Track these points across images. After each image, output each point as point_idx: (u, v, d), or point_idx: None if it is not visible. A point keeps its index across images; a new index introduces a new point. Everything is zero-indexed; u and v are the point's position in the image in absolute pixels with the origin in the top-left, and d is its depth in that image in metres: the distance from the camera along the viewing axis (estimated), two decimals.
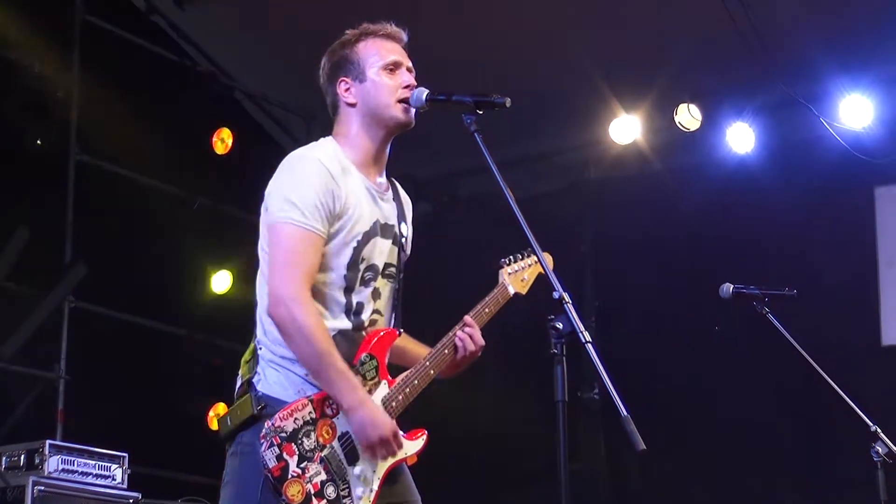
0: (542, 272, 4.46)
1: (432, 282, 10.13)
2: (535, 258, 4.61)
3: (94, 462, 7.57)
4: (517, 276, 4.66)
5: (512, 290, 4.61)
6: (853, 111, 9.32)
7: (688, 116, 9.66)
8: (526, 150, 10.43)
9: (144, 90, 9.71)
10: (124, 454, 7.74)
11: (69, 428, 8.94)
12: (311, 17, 8.96)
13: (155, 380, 9.62)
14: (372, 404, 4.02)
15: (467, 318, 4.39)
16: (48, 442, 7.41)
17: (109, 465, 7.65)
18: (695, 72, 9.47)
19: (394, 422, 4.09)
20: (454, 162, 10.34)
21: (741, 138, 9.70)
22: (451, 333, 4.35)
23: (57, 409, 9.09)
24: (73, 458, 7.45)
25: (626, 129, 10.02)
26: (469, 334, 4.35)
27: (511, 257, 4.69)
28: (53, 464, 7.32)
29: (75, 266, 9.25)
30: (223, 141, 10.27)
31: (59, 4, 9.43)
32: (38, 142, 9.21)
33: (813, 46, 9.24)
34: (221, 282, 10.31)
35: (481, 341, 4.38)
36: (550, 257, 4.52)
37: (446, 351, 4.31)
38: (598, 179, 10.49)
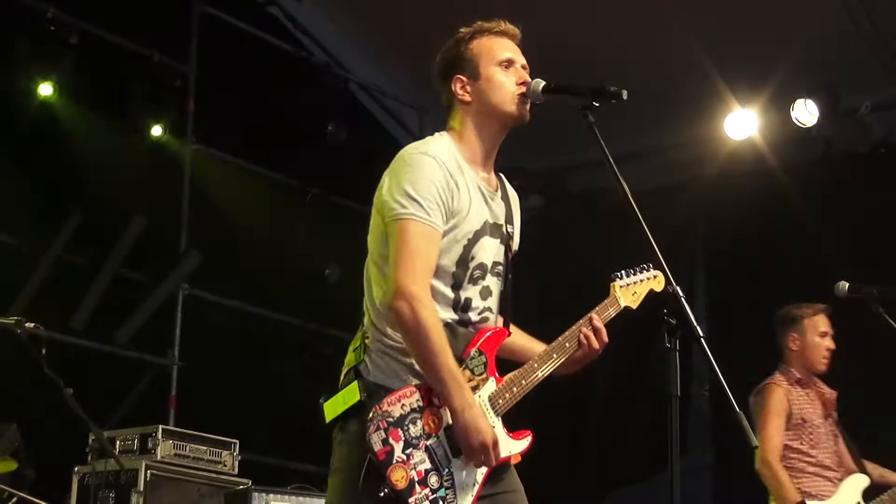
0: (654, 290, 4.54)
1: (541, 276, 10.15)
2: (649, 274, 4.60)
3: (205, 447, 7.68)
4: (629, 289, 4.62)
5: (623, 304, 4.58)
6: None
7: (804, 112, 9.52)
8: (640, 145, 10.35)
9: (260, 80, 9.81)
10: (235, 441, 7.84)
11: (181, 414, 9.08)
12: (427, 9, 8.99)
13: (265, 367, 9.72)
14: (477, 409, 3.99)
15: (594, 315, 4.38)
16: (161, 427, 7.53)
17: (220, 450, 7.76)
18: (812, 67, 9.33)
19: (495, 430, 4.06)
20: (566, 155, 10.33)
21: (858, 135, 9.55)
22: (567, 333, 4.33)
23: (170, 394, 9.24)
24: (184, 444, 7.57)
25: (741, 124, 9.89)
26: (595, 330, 4.34)
27: (623, 272, 4.65)
28: (166, 448, 7.44)
29: (189, 254, 9.39)
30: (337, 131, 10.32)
31: None
32: (156, 131, 9.34)
33: None
34: (333, 272, 10.37)
35: (606, 339, 4.36)
36: (662, 276, 4.49)
37: (555, 355, 4.29)
38: (712, 175, 10.35)
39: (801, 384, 7.00)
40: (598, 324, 4.33)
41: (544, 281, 10.02)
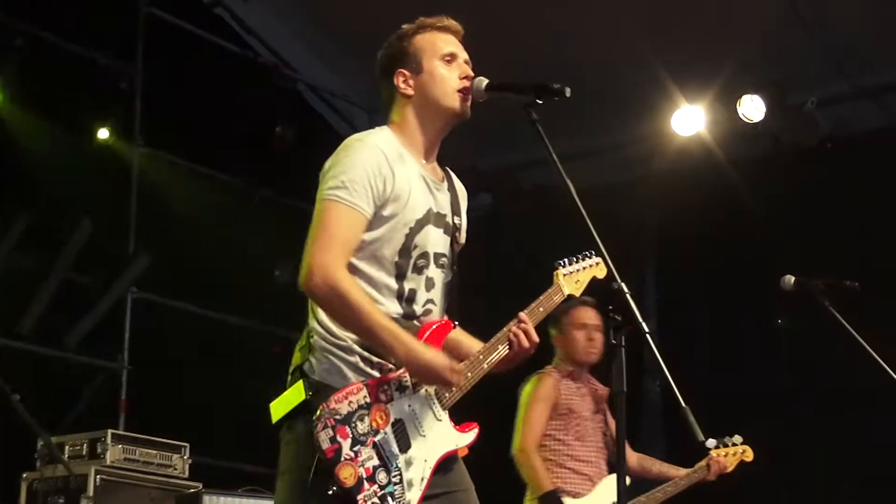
0: (596, 277, 4.58)
1: (491, 274, 10.16)
2: (591, 262, 4.63)
3: (155, 451, 7.65)
4: (572, 277, 4.64)
5: (566, 291, 4.59)
6: None
7: (751, 108, 9.57)
8: (588, 142, 10.40)
9: (208, 82, 9.77)
10: (185, 444, 7.82)
11: (131, 417, 9.03)
12: (374, 8, 8.98)
13: (216, 369, 9.68)
14: (420, 347, 4.02)
15: (522, 314, 4.39)
16: (110, 431, 7.49)
17: (170, 454, 7.73)
18: (758, 63, 9.39)
19: (442, 423, 4.14)
20: (517, 153, 10.34)
21: (805, 130, 9.62)
22: (505, 329, 4.35)
23: (120, 398, 9.19)
24: (134, 448, 7.53)
25: (688, 120, 9.93)
26: (524, 330, 4.34)
27: (566, 259, 4.67)
28: (115, 453, 7.41)
29: (138, 257, 9.34)
30: (284, 132, 10.30)
31: None
32: (102, 134, 9.29)
33: (877, 36, 9.17)
34: (283, 272, 10.34)
35: (535, 338, 4.37)
36: (603, 264, 4.51)
37: (500, 346, 4.31)
38: (661, 172, 10.39)
39: (573, 377, 7.00)
40: (527, 321, 4.34)
41: (495, 278, 10.04)
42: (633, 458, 7.10)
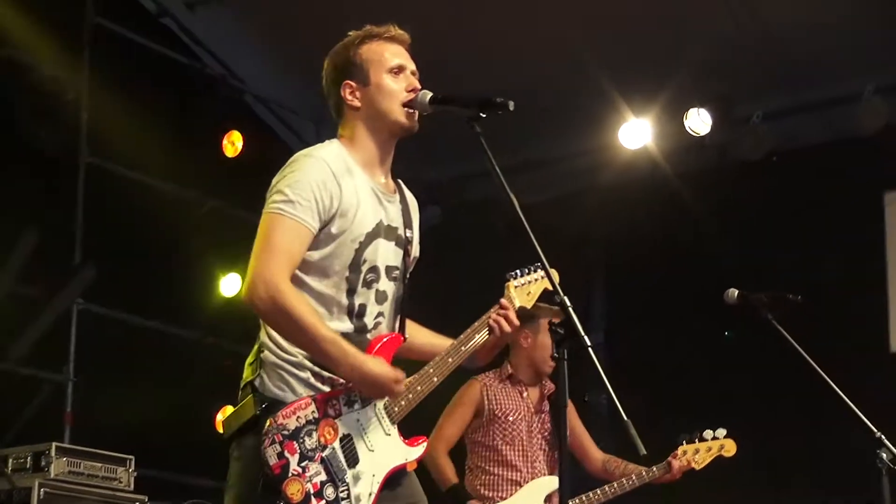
0: (549, 287, 4.45)
1: (439, 286, 10.16)
2: (542, 273, 4.59)
3: (100, 464, 7.58)
4: (523, 289, 4.65)
5: (518, 303, 4.61)
6: (861, 115, 9.30)
7: (697, 121, 9.63)
8: (536, 154, 10.44)
9: (154, 92, 9.71)
10: (130, 457, 7.75)
11: (77, 430, 8.96)
12: (322, 19, 8.96)
13: (163, 382, 9.61)
14: (363, 359, 4.03)
15: (503, 300, 4.43)
16: (54, 444, 7.42)
17: (116, 467, 7.66)
18: (705, 76, 9.45)
19: (391, 438, 4.16)
20: (465, 165, 10.35)
21: (751, 143, 9.69)
22: (471, 329, 4.38)
23: (65, 411, 9.11)
24: (79, 461, 7.47)
25: (635, 134, 9.98)
26: (504, 316, 4.35)
27: (518, 271, 4.68)
28: (59, 466, 7.34)
29: (84, 268, 9.27)
30: (233, 144, 10.27)
31: (68, 7, 9.43)
32: (48, 144, 9.22)
33: (821, 51, 9.26)
34: (231, 285, 10.29)
35: (516, 322, 4.40)
36: (556, 272, 4.51)
37: (450, 360, 4.31)
38: (608, 185, 10.43)
39: (512, 381, 6.95)
40: (508, 307, 4.39)
41: (444, 290, 10.02)
42: (598, 460, 7.10)
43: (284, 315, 3.95)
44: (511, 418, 6.86)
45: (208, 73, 10.48)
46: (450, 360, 4.31)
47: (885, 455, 5.78)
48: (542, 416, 6.99)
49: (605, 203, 10.51)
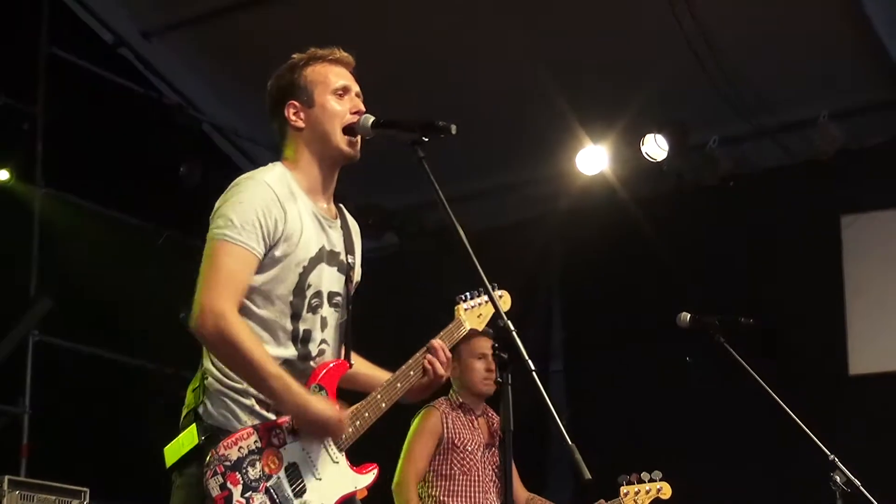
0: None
1: (396, 312, 10.16)
2: (493, 294, 4.56)
3: (54, 497, 7.55)
4: (473, 312, 4.64)
5: (467, 326, 4.58)
6: (816, 140, 9.35)
7: (654, 147, 9.65)
8: (494, 180, 10.45)
9: (111, 123, 9.68)
10: (85, 489, 7.72)
11: (33, 462, 8.89)
12: (280, 48, 8.95)
13: (121, 413, 9.56)
14: (308, 397, 3.99)
15: (434, 342, 4.38)
16: (7, 477, 7.38)
17: (70, 499, 7.64)
18: (661, 103, 9.48)
19: (339, 465, 4.09)
20: (421, 193, 10.33)
21: (707, 169, 9.74)
22: (411, 360, 4.34)
23: (21, 443, 9.04)
24: (32, 493, 7.43)
25: (593, 159, 9.99)
26: (438, 357, 4.33)
27: (468, 293, 4.67)
28: (13, 499, 7.31)
29: (40, 299, 9.21)
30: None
31: (24, 36, 9.41)
32: (2, 175, 9.19)
33: (776, 77, 9.32)
34: (189, 315, 10.21)
35: (447, 362, 4.37)
36: (508, 296, 4.49)
37: (398, 385, 4.29)
38: (566, 210, 10.45)
39: (464, 409, 6.92)
40: (440, 349, 4.33)
41: (400, 318, 10.02)
42: (521, 497, 7.07)
43: (231, 347, 3.91)
44: (469, 448, 6.82)
45: (165, 103, 10.44)
46: (398, 384, 4.29)
47: (838, 478, 5.79)
48: (493, 449, 6.95)
49: (564, 228, 10.54)
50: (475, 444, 6.86)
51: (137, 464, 9.10)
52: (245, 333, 3.93)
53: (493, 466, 6.91)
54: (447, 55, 9.62)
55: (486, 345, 6.90)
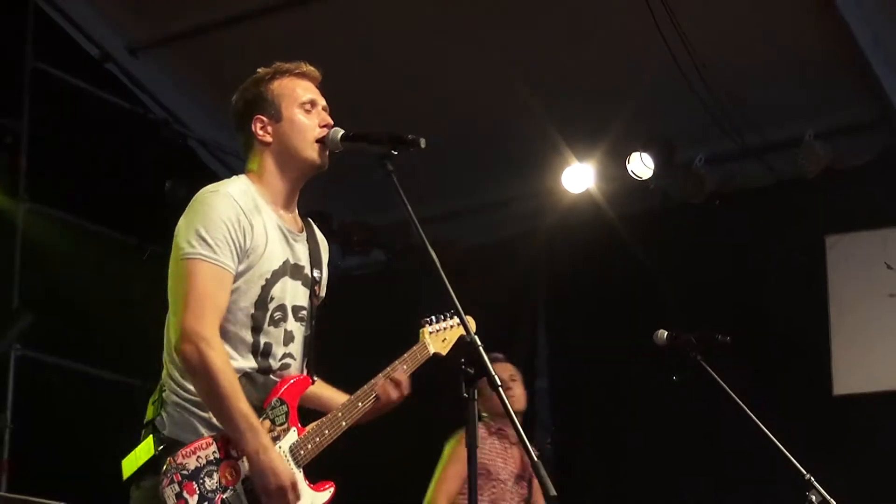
0: (464, 334, 4.25)
1: (383, 329, 10.12)
2: (458, 320, 4.48)
3: None
4: (438, 335, 4.61)
5: (432, 350, 4.56)
6: (802, 159, 9.34)
7: (640, 165, 9.64)
8: (479, 198, 10.42)
9: (96, 137, 9.66)
10: None
11: (15, 478, 8.85)
12: (266, 63, 8.95)
13: (103, 429, 9.50)
14: (273, 452, 3.91)
15: (395, 375, 4.33)
16: None
17: None
18: (647, 121, 9.48)
19: (294, 472, 4.00)
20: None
21: (692, 187, 9.73)
22: (373, 381, 4.30)
23: (2, 458, 9.00)
24: None
25: (578, 177, 9.98)
26: (393, 381, 4.29)
27: (433, 317, 4.64)
28: None
29: (22, 314, 9.17)
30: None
31: (8, 50, 9.39)
32: None
33: (763, 95, 9.31)
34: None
35: (406, 390, 4.34)
36: (472, 320, 4.44)
37: (360, 404, 4.25)
38: (552, 227, 10.43)
39: (500, 436, 6.89)
40: (397, 377, 4.30)
41: (386, 335, 9.97)
42: None
43: (210, 378, 3.87)
44: (502, 477, 6.77)
45: (151, 118, 10.42)
46: (359, 404, 4.25)
47: (814, 497, 5.77)
48: (523, 482, 6.90)
49: (550, 246, 10.52)
50: (507, 472, 6.82)
51: (120, 479, 9.13)
52: (224, 366, 3.90)
53: (521, 498, 6.85)
54: (432, 72, 9.61)
55: (497, 369, 6.86)
